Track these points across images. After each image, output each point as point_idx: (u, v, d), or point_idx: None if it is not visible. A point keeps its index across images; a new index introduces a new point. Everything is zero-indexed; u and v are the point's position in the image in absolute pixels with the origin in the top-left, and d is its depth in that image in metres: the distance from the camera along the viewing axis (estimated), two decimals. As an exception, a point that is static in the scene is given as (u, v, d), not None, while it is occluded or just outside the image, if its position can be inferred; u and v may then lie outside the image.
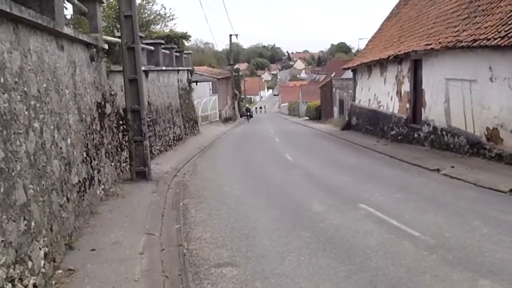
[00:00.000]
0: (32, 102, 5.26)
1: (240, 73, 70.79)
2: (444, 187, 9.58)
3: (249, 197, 9.48)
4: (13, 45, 4.90)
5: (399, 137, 17.72)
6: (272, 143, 21.86)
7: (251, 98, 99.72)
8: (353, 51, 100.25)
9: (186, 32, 25.96)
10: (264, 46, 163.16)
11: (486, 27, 11.50)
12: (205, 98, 35.34)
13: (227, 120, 41.33)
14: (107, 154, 9.65)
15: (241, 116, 49.81)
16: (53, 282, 4.88)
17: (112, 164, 10.16)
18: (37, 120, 5.38)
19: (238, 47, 77.59)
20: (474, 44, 11.44)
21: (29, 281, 4.31)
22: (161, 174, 11.77)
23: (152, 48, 17.09)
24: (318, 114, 41.88)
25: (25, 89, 5.07)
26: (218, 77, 42.28)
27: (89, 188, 7.69)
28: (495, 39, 10.61)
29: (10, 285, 3.96)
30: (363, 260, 5.52)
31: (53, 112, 6.10)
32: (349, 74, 30.94)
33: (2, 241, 3.94)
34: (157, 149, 15.70)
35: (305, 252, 5.90)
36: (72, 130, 7.07)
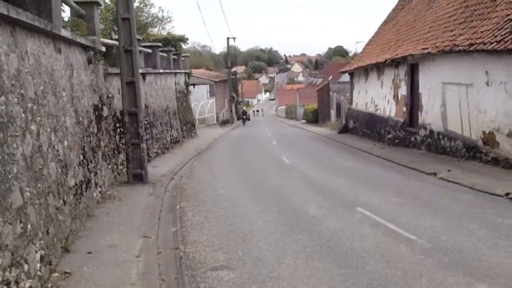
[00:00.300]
0: (29, 105, 5.25)
1: (238, 76, 70.80)
2: (441, 191, 9.60)
3: (246, 200, 9.47)
4: (10, 48, 4.89)
5: (396, 141, 17.76)
6: (269, 146, 21.88)
7: (248, 101, 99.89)
8: (350, 54, 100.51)
9: (184, 35, 26.20)
10: (261, 49, 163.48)
11: (482, 32, 11.56)
12: (202, 101, 35.38)
13: (224, 123, 41.42)
14: (104, 157, 9.63)
15: (238, 119, 49.85)
16: (49, 285, 4.86)
17: (109, 166, 10.14)
18: (34, 123, 5.37)
19: (236, 50, 77.93)
20: (471, 48, 11.50)
21: (25, 284, 4.29)
22: (158, 177, 11.76)
23: (149, 50, 17.10)
24: (315, 117, 41.94)
25: (22, 91, 5.06)
26: (216, 80, 42.39)
27: (85, 191, 7.67)
28: (492, 43, 10.66)
29: (5, 288, 3.95)
30: (360, 263, 5.53)
31: (50, 115, 6.09)
32: (346, 77, 30.99)
33: (-2, 244, 3.93)
34: (154, 152, 15.68)
35: (301, 255, 5.90)
36: (69, 133, 7.06)
